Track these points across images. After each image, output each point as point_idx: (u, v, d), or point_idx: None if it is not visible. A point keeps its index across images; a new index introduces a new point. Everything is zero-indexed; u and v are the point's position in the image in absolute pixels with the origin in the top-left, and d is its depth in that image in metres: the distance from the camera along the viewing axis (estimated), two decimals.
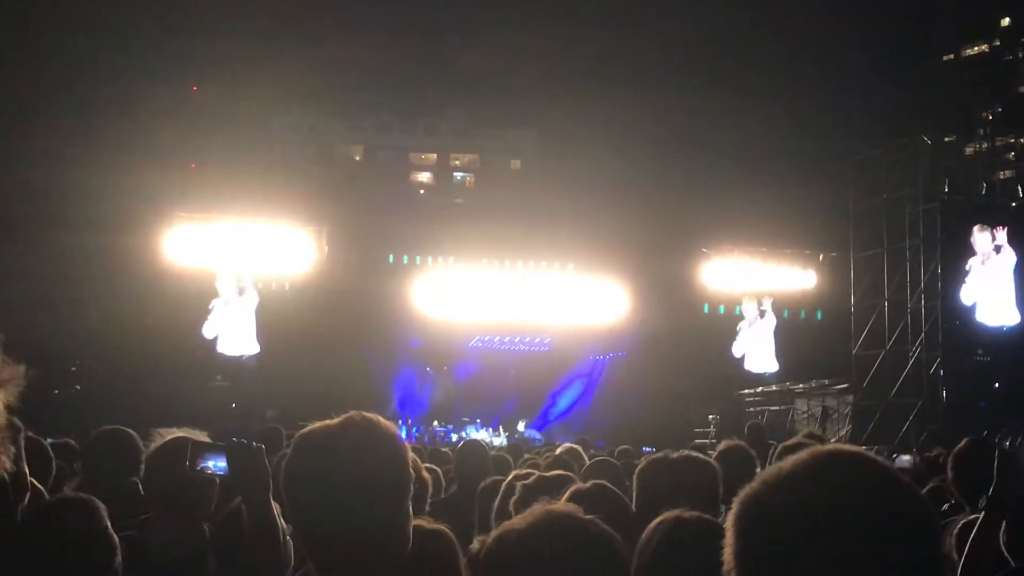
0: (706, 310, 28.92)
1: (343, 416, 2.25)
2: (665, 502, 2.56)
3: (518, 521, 2.10)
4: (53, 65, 40.60)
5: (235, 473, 3.01)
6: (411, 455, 2.37)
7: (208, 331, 24.87)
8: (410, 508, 2.27)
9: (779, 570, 1.28)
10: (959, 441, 4.65)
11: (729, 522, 1.37)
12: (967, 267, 23.90)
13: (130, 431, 4.98)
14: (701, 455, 3.46)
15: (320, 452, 2.21)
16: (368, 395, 25.94)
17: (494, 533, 2.13)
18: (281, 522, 3.04)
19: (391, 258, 29.41)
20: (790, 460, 1.36)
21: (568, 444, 7.49)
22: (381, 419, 2.28)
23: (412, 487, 2.29)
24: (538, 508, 2.17)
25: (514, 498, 3.66)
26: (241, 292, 25.16)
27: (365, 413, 2.27)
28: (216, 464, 3.06)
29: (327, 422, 2.25)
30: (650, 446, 15.87)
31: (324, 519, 2.17)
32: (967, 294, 23.94)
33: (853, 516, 1.26)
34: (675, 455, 3.40)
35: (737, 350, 28.11)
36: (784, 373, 29.04)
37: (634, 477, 3.36)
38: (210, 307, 24.85)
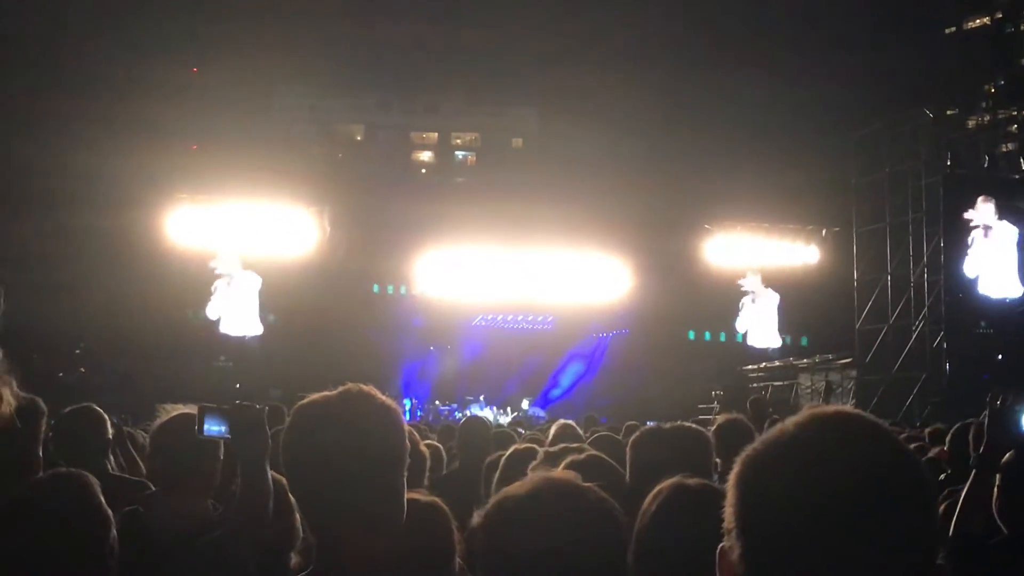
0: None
1: (340, 388, 2.28)
2: (658, 472, 2.57)
3: (517, 487, 2.12)
4: (53, 46, 40.50)
5: (236, 434, 3.07)
6: (408, 428, 2.39)
7: (212, 312, 24.93)
8: (405, 479, 2.30)
9: (779, 530, 1.29)
10: (962, 414, 4.67)
11: (731, 481, 1.37)
12: (970, 240, 23.86)
13: (98, 411, 4.83)
14: (693, 425, 3.47)
15: (317, 423, 2.25)
16: (371, 374, 25.73)
17: (493, 499, 2.15)
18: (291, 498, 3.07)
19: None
20: (792, 421, 1.37)
21: (563, 421, 7.50)
22: (377, 391, 2.30)
23: (408, 459, 2.31)
24: (536, 475, 2.19)
25: (497, 474, 3.69)
26: (243, 273, 25.19)
27: (362, 385, 2.30)
28: (218, 428, 3.11)
29: (324, 393, 2.28)
30: (655, 422, 15.87)
31: (320, 489, 2.20)
32: (970, 267, 23.91)
33: (854, 477, 1.27)
34: (667, 426, 3.41)
35: (740, 326, 28.14)
36: (788, 348, 29.04)
37: (627, 448, 3.37)
38: (213, 288, 24.89)
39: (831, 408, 1.40)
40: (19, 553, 2.75)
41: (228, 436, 3.12)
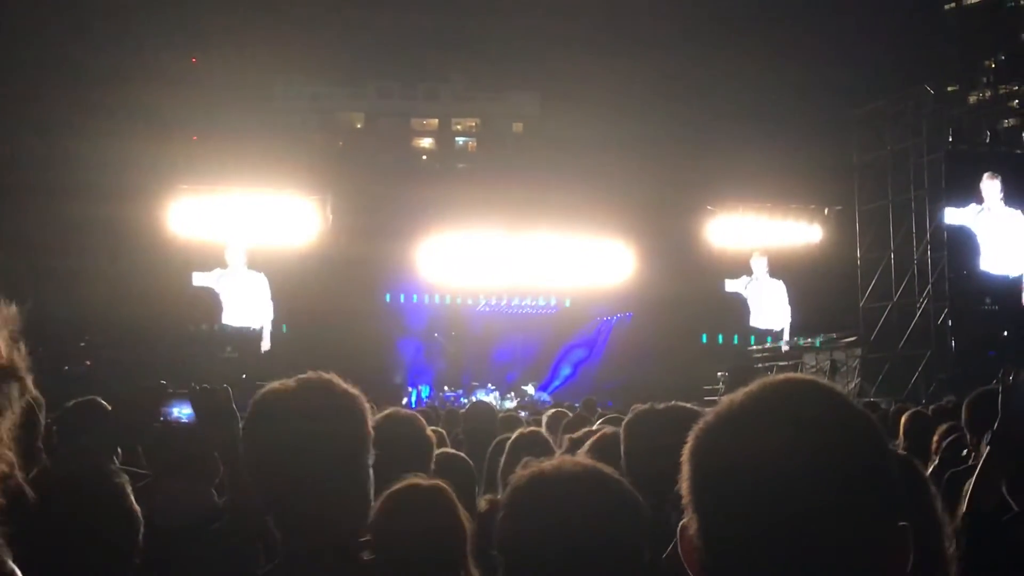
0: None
1: (299, 377, 2.25)
2: (653, 453, 2.53)
3: (536, 471, 2.12)
4: (53, 33, 40.39)
5: (201, 418, 3.02)
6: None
7: (197, 282, 24.95)
8: (370, 467, 2.27)
9: (731, 501, 1.26)
10: (969, 390, 4.68)
11: (684, 455, 1.35)
12: (969, 214, 23.91)
13: (102, 403, 4.75)
14: (688, 404, 3.43)
15: (275, 412, 2.22)
16: (376, 362, 26.00)
17: (512, 482, 2.14)
18: None
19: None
20: (742, 391, 1.34)
21: (556, 409, 7.47)
22: (338, 379, 2.28)
23: (371, 446, 2.28)
24: (556, 460, 2.19)
25: (502, 457, 3.67)
26: (247, 268, 25.23)
27: (322, 373, 2.27)
28: (183, 412, 3.06)
29: (284, 382, 2.25)
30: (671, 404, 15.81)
31: (281, 478, 2.17)
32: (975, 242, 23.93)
33: (802, 443, 1.24)
34: (661, 406, 3.37)
35: (730, 287, 28.26)
36: (792, 328, 28.99)
37: (621, 429, 3.33)
38: (211, 273, 24.99)
39: (781, 376, 1.36)
40: (51, 551, 2.69)
41: (190, 420, 3.06)
